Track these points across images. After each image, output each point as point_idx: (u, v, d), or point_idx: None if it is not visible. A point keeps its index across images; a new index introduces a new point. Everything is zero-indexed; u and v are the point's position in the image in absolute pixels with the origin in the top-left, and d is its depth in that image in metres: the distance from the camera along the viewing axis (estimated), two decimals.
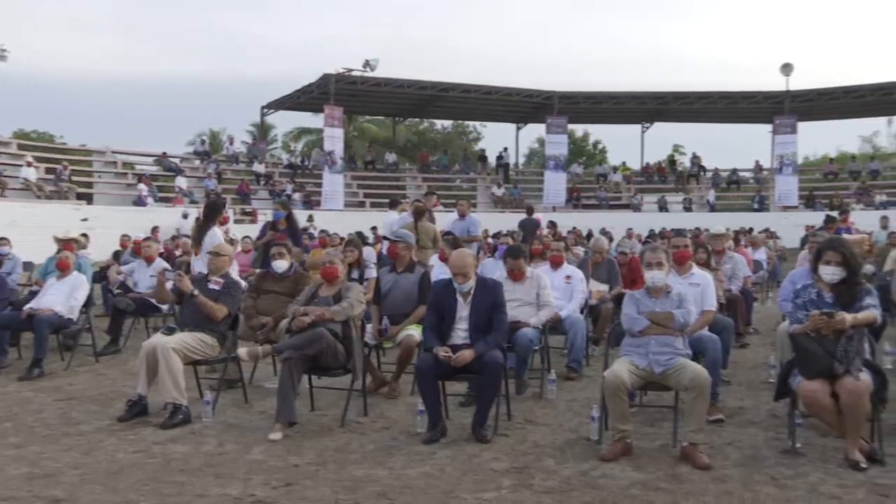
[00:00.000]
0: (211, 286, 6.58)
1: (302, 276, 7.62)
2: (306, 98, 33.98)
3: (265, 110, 36.43)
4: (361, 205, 32.18)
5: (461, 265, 5.66)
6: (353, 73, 32.27)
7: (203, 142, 36.67)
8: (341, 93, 32.07)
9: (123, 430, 5.69)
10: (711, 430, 5.45)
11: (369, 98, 35.76)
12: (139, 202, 25.59)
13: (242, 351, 6.14)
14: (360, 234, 14.91)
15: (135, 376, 6.33)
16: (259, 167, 32.41)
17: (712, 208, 32.23)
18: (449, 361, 5.36)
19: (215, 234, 8.66)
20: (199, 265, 8.22)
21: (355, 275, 8.30)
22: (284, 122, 50.76)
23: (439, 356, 5.39)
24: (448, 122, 51.92)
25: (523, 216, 19.12)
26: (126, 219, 21.41)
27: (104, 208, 24.49)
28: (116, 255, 13.39)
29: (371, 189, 33.56)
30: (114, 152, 30.00)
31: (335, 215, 27.48)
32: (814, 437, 5.26)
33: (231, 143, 35.86)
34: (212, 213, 9.02)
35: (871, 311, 4.89)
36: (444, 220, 13.14)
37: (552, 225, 19.11)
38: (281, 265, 7.50)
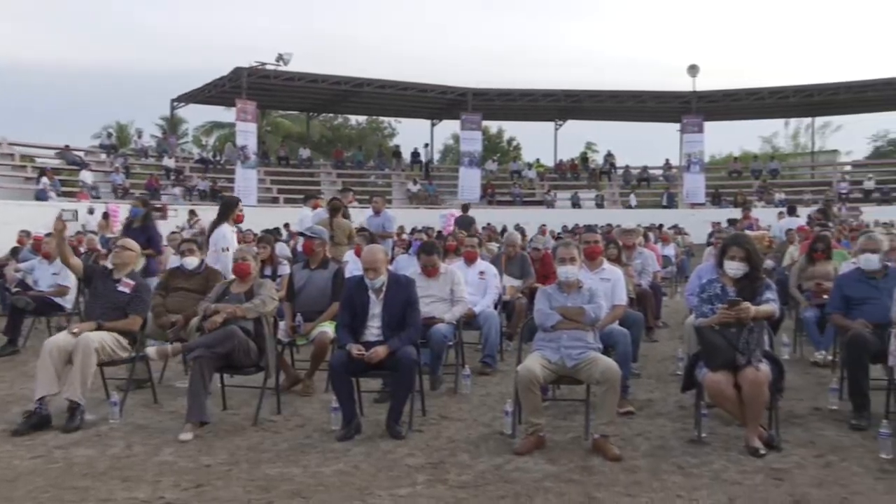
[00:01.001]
0: (120, 288, 6.27)
1: (213, 273, 7.45)
2: (218, 92, 33.33)
3: (175, 104, 35.55)
4: (275, 201, 31.75)
5: (372, 261, 5.63)
6: (266, 67, 31.80)
7: (110, 135, 35.51)
8: (254, 87, 31.58)
9: (20, 436, 5.41)
10: (622, 423, 5.58)
11: (283, 92, 35.35)
12: (41, 196, 24.59)
13: (151, 350, 5.98)
14: (274, 230, 14.70)
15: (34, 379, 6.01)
16: (169, 162, 31.66)
17: (630, 207, 32.99)
18: (362, 359, 5.34)
19: (224, 233, 8.33)
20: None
21: (268, 271, 8.19)
22: (196, 115, 49.55)
23: (352, 354, 5.36)
24: (363, 118, 51.80)
25: (440, 211, 19.23)
26: (26, 214, 20.47)
27: (1, 203, 23.43)
28: (14, 252, 12.84)
29: (285, 185, 33.13)
30: (10, 144, 28.72)
31: (248, 211, 26.81)
32: (718, 427, 5.43)
33: (140, 137, 34.91)
34: (225, 211, 8.62)
35: (770, 304, 5.09)
36: (360, 216, 13.07)
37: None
38: (191, 262, 7.33)
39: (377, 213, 12.25)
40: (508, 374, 6.62)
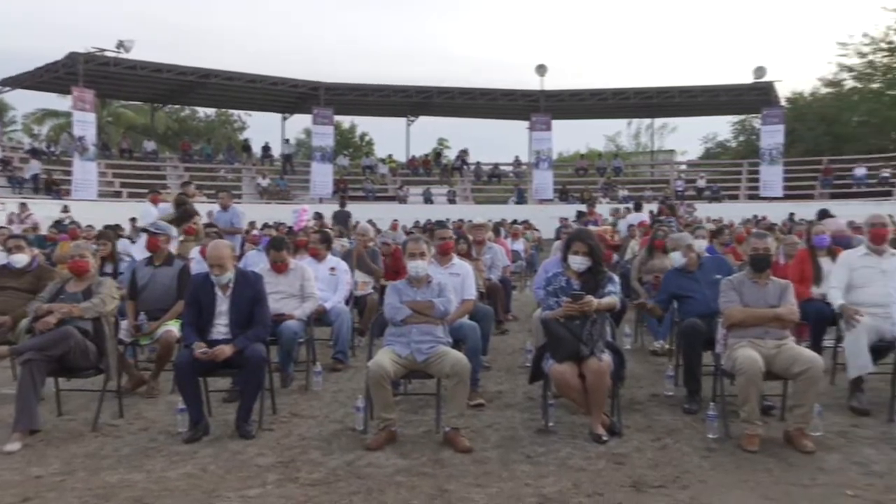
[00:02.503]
0: None
1: (45, 271, 7.01)
2: (51, 77, 31.31)
3: (0, 87, 33.20)
4: (118, 195, 30.26)
5: (217, 256, 5.48)
6: (106, 54, 30.18)
7: None
8: (92, 74, 29.90)
9: None
10: (472, 415, 5.68)
11: (124, 81, 33.65)
12: None
13: None
14: (115, 226, 14.00)
15: None
16: None
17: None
18: (206, 358, 5.19)
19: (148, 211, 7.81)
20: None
21: (109, 269, 7.81)
22: (25, 101, 46.45)
23: (196, 354, 5.20)
24: (211, 110, 50.24)
25: (292, 207, 19.00)
26: None
27: None
28: None
29: (128, 178, 31.63)
30: None
31: (89, 205, 25.59)
32: (564, 416, 5.62)
33: None
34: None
35: (612, 297, 5.33)
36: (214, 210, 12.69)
37: (318, 217, 19.05)
38: (20, 259, 6.85)
39: (224, 208, 11.95)
40: (360, 370, 6.63)
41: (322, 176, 33.21)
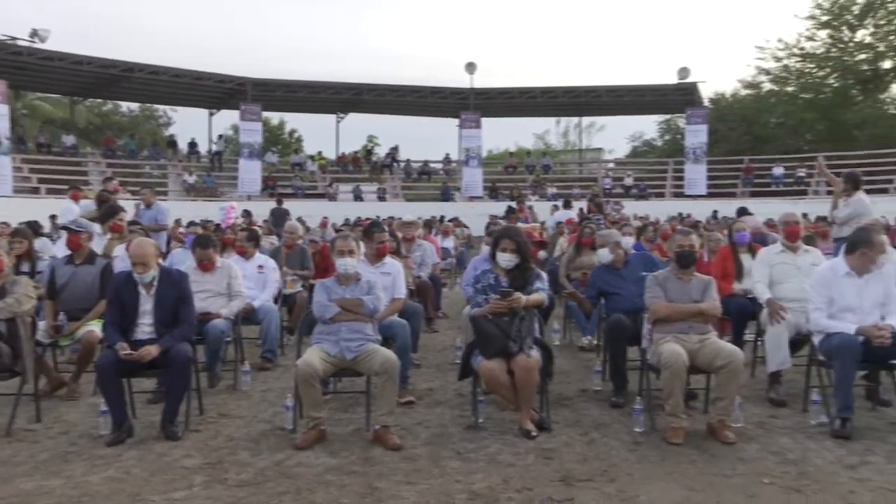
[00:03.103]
0: None
1: None
2: None
3: None
4: (35, 191, 29.24)
5: (141, 255, 5.36)
6: (18, 43, 29.07)
7: None
8: (3, 65, 28.69)
9: None
10: (402, 413, 5.68)
11: (40, 73, 32.38)
12: None
13: None
14: (33, 223, 13.55)
15: None
16: None
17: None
18: (131, 359, 5.06)
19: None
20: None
21: (26, 268, 7.56)
22: None
23: (121, 356, 5.07)
24: (135, 105, 48.99)
25: (220, 204, 18.73)
26: None
27: None
28: None
29: (47, 174, 30.53)
30: None
31: (4, 202, 24.69)
32: (494, 412, 5.66)
33: None
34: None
35: (540, 293, 5.38)
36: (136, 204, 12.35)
37: (247, 214, 18.79)
38: None
39: (148, 205, 11.66)
40: (289, 369, 6.56)
41: (250, 173, 32.69)
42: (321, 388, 5.22)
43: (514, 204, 20.89)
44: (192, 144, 36.71)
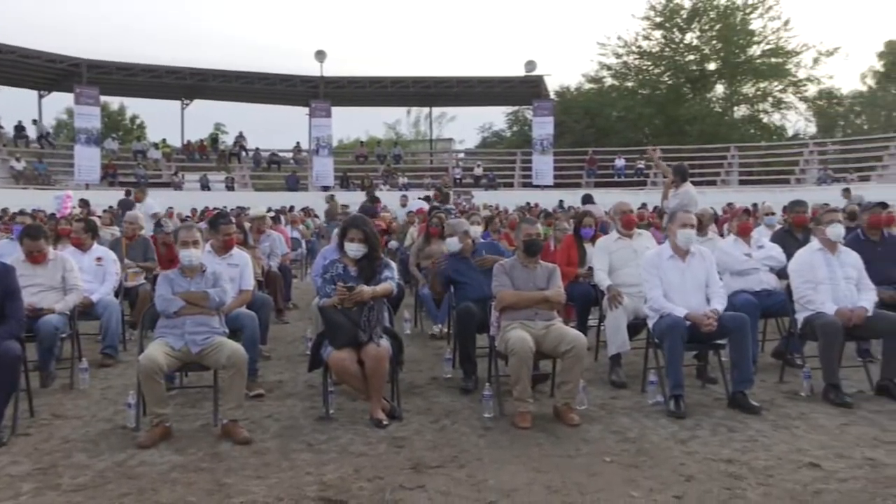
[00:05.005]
0: None
1: None
2: None
3: None
4: None
5: None
6: None
7: None
8: None
9: None
10: (252, 406, 5.58)
11: None
12: None
13: None
14: None
15: None
16: None
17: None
18: None
19: None
20: None
21: None
22: None
23: None
24: None
25: (54, 192, 17.72)
26: None
27: None
28: None
29: None
30: None
31: None
32: (345, 403, 5.65)
33: None
34: None
35: (388, 283, 5.40)
36: None
37: (84, 204, 17.88)
38: None
39: None
40: (132, 365, 6.29)
41: (87, 160, 30.95)
42: (166, 383, 5.06)
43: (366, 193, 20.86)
44: (19, 128, 34.19)
